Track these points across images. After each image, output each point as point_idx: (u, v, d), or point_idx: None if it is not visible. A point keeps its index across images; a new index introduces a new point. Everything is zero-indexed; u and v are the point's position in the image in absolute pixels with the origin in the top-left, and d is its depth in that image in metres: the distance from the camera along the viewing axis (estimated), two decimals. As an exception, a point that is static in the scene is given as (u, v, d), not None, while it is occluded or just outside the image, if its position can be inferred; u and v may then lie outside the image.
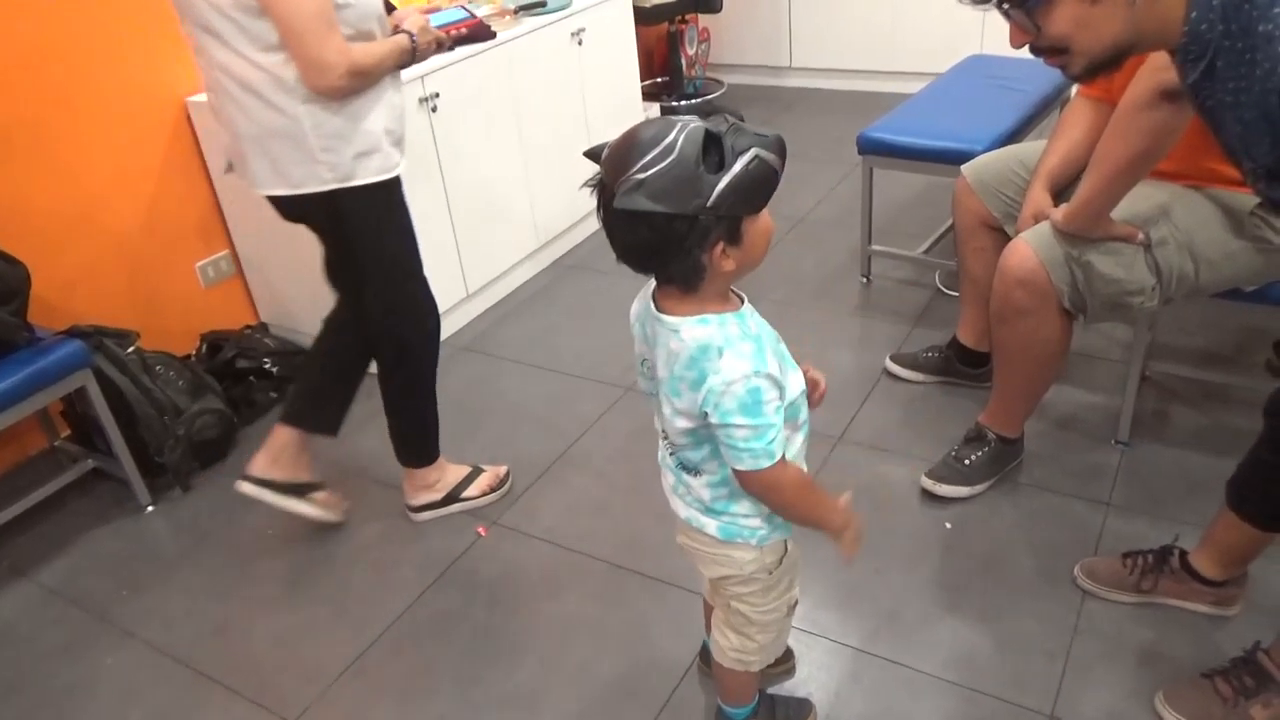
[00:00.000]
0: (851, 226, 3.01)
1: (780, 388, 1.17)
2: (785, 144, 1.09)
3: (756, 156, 1.06)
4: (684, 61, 4.62)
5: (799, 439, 1.30)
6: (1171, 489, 2.06)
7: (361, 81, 1.74)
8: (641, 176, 1.03)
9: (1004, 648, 1.75)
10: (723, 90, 4.80)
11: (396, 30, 1.84)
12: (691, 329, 1.15)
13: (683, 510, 1.36)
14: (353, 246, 1.92)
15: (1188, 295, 1.91)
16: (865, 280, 3.02)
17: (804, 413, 1.29)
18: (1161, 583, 1.77)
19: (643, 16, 3.93)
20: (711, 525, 1.32)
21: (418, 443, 2.18)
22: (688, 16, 4.52)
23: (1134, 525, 1.97)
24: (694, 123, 1.06)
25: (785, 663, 1.74)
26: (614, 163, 1.07)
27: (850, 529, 1.33)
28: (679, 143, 1.04)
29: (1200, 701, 1.54)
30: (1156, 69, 1.63)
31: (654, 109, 4.10)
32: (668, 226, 1.06)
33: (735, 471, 1.21)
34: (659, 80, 4.75)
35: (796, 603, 1.46)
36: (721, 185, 1.05)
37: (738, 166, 1.05)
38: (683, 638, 1.83)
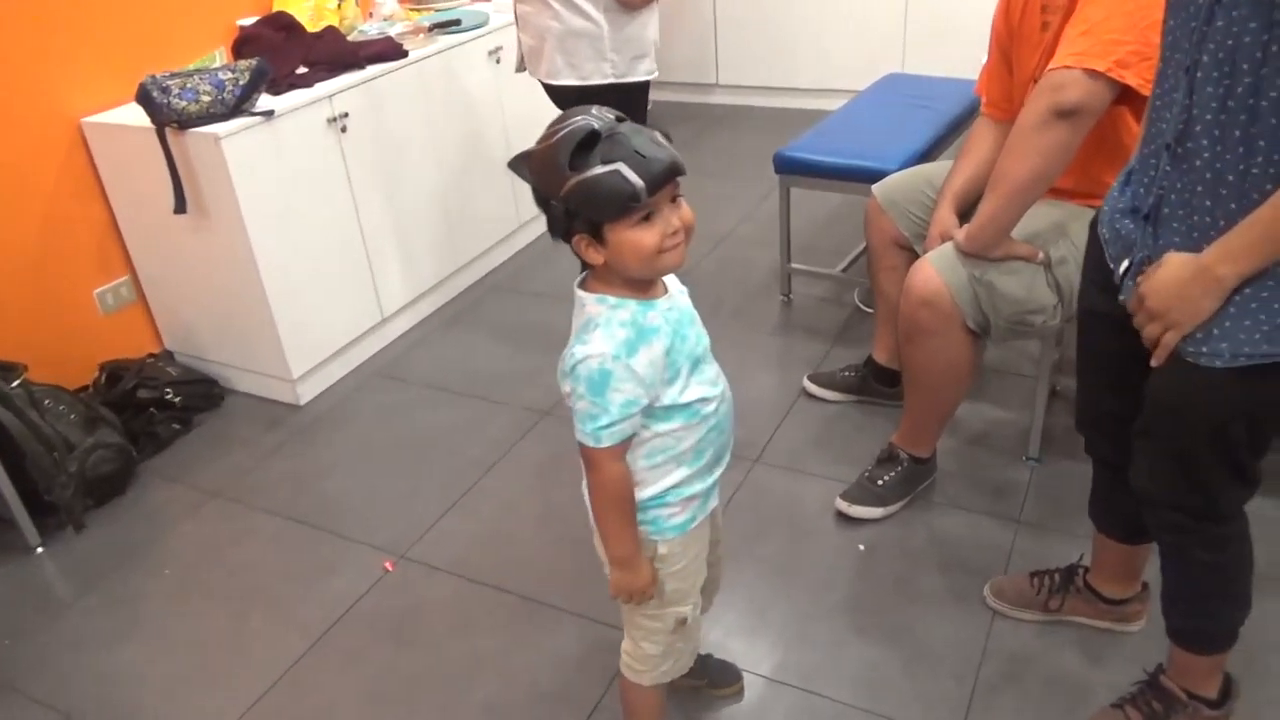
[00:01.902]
0: (773, 244, 3.01)
1: (644, 386, 1.18)
2: (673, 170, 1.10)
3: (617, 171, 1.07)
4: (610, 79, 4.60)
5: (700, 457, 1.29)
6: (1081, 505, 2.03)
7: None
8: (531, 149, 1.14)
9: (913, 671, 1.73)
10: (649, 107, 4.79)
11: None
12: (593, 305, 1.19)
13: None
14: None
15: (1089, 313, 1.92)
16: (785, 299, 3.02)
17: (710, 428, 1.28)
18: (1069, 602, 1.77)
19: (565, 34, 3.90)
20: None
21: None
22: (612, 34, 4.50)
23: (1043, 542, 1.98)
24: (596, 121, 1.09)
25: (734, 684, 1.72)
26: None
27: (635, 577, 1.30)
28: (563, 132, 1.09)
29: None
30: (1051, 88, 1.64)
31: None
32: (542, 202, 1.15)
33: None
34: (585, 98, 4.73)
35: (686, 620, 1.40)
36: (569, 183, 1.08)
37: (590, 172, 1.08)
38: (593, 672, 1.78)
